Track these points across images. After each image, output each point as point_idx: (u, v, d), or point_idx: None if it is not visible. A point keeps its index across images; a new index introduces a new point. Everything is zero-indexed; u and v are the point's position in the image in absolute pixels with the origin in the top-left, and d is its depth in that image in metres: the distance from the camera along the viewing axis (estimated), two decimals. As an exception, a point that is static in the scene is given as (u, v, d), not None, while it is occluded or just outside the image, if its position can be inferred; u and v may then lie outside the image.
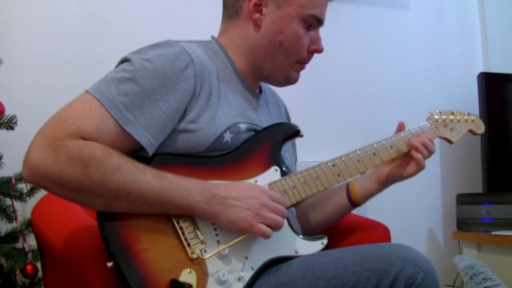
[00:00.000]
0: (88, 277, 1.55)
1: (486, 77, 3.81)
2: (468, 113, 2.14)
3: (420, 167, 1.94)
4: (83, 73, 2.76)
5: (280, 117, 2.11)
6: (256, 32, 1.84)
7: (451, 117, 2.09)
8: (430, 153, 1.95)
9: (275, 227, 1.57)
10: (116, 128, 1.51)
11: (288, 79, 1.90)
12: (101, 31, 2.98)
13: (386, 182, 2.01)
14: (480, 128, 2.15)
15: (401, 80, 3.91)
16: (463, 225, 3.64)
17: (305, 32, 1.83)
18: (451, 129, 2.07)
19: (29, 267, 2.15)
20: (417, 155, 1.92)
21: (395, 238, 2.06)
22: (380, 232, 2.13)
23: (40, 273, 2.17)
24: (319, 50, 1.88)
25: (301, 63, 1.89)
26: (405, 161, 1.97)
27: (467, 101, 3.94)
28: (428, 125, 2.03)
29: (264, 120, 1.90)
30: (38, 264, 2.13)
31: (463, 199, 3.68)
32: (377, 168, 2.02)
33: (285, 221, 1.65)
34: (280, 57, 1.84)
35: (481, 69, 4.12)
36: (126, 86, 1.54)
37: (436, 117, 2.06)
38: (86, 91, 1.54)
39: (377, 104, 3.81)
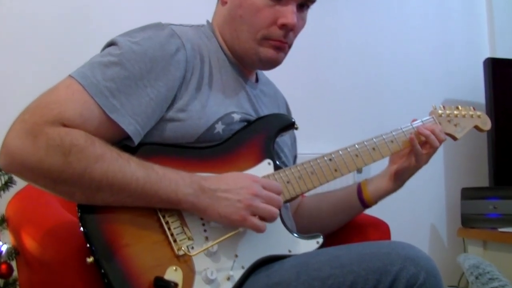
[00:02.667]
0: (67, 276, 1.55)
1: (492, 63, 3.82)
2: (474, 108, 2.15)
3: (431, 150, 1.98)
4: (62, 64, 2.74)
5: (278, 110, 2.10)
6: (223, 9, 1.85)
7: (455, 112, 2.10)
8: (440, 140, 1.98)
9: (269, 218, 1.57)
10: (101, 115, 1.51)
11: (261, 58, 1.84)
12: (82, 23, 2.96)
13: (396, 178, 2.03)
14: (486, 124, 2.16)
15: (402, 67, 3.91)
16: (468, 221, 3.65)
17: (269, 4, 1.77)
18: (455, 125, 2.09)
19: (3, 267, 2.14)
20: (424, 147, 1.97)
21: (395, 236, 2.07)
22: (379, 229, 2.14)
23: (15, 273, 2.17)
24: (288, 24, 1.78)
25: (270, 39, 1.81)
26: (412, 153, 1.98)
27: (473, 88, 3.95)
28: (431, 119, 2.05)
29: (260, 111, 1.90)
30: (14, 263, 2.13)
31: (468, 194, 3.69)
32: (387, 166, 2.06)
33: (278, 218, 1.66)
34: (243, 33, 1.81)
35: (488, 54, 4.13)
36: (112, 70, 1.54)
37: (440, 111, 2.07)
38: (70, 75, 1.54)
39: (377, 93, 3.81)
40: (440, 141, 1.98)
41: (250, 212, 1.54)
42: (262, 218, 1.56)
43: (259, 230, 1.56)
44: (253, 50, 1.83)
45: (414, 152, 1.95)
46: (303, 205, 2.14)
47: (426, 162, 1.99)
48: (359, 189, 2.07)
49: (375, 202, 2.07)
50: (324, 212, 2.12)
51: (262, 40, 1.81)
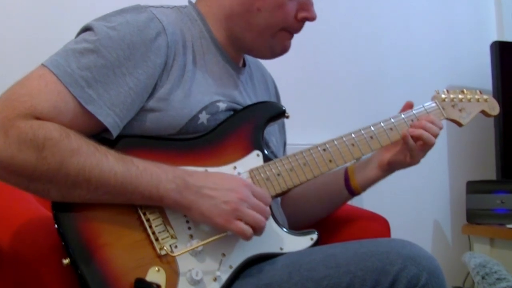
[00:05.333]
0: (42, 277, 1.54)
1: (500, 46, 3.81)
2: (480, 92, 2.13)
3: (426, 148, 1.93)
4: (34, 51, 2.71)
5: (268, 95, 2.10)
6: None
7: (460, 96, 2.08)
8: (435, 135, 1.93)
9: (256, 228, 1.55)
10: (76, 107, 1.50)
11: (273, 51, 1.88)
12: (55, 7, 2.93)
13: (387, 169, 2.00)
14: (494, 108, 2.14)
15: (403, 51, 3.91)
16: (474, 217, 3.66)
17: None
18: (460, 110, 2.06)
19: (-26, 267, 2.14)
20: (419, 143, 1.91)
21: (395, 233, 2.07)
22: (378, 226, 2.13)
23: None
24: (310, 18, 1.84)
25: (287, 31, 1.85)
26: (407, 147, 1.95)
27: (479, 74, 3.96)
28: (434, 105, 2.03)
29: (248, 99, 1.89)
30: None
31: (474, 188, 3.69)
32: (378, 153, 2.02)
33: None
34: (259, 26, 1.81)
35: (495, 37, 4.14)
36: (88, 58, 1.53)
37: (443, 96, 2.05)
38: (42, 64, 1.53)
39: (377, 79, 3.81)
40: (435, 135, 1.91)
41: (236, 217, 1.53)
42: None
43: (244, 236, 1.53)
44: (266, 42, 1.85)
45: (409, 149, 1.90)
46: (289, 193, 2.13)
47: (422, 157, 1.96)
48: (346, 176, 2.05)
49: (363, 190, 2.05)
50: (310, 199, 2.10)
51: (280, 31, 1.84)
